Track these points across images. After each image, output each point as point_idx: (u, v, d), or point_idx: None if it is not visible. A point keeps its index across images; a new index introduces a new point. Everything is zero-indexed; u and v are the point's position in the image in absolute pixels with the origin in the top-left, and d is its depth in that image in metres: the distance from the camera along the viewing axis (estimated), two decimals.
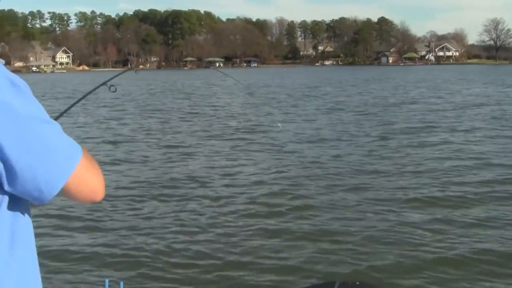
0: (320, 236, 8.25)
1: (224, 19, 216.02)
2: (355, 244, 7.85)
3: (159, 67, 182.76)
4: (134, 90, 49.20)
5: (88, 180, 1.41)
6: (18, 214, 1.39)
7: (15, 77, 1.32)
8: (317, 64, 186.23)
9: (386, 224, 8.73)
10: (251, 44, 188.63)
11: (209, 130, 20.91)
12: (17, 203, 1.38)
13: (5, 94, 1.27)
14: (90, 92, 2.92)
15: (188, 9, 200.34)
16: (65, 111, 2.66)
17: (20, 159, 1.28)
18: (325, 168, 13.10)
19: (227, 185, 11.66)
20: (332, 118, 24.65)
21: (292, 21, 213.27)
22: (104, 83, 2.64)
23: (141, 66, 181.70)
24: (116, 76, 2.54)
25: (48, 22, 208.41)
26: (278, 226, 8.80)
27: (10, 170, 1.29)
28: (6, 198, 1.33)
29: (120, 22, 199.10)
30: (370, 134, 19.18)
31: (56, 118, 2.22)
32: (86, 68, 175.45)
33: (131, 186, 11.69)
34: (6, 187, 1.31)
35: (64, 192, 1.38)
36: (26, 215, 1.44)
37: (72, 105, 2.81)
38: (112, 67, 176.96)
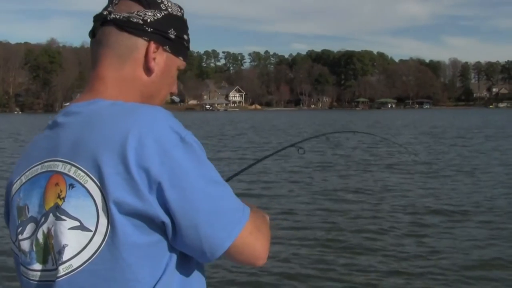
0: None
1: (397, 60, 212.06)
2: None
3: (330, 107, 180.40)
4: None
5: (250, 245, 1.38)
6: (191, 269, 1.41)
7: (188, 134, 1.33)
8: (491, 106, 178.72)
9: None
10: (424, 85, 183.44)
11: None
12: (187, 260, 1.38)
13: (175, 150, 1.28)
14: (275, 153, 2.74)
15: (361, 50, 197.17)
16: (244, 170, 2.50)
17: (185, 217, 1.29)
18: None
19: None
20: None
21: (466, 62, 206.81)
22: (293, 145, 2.57)
23: (312, 106, 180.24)
24: (307, 139, 2.46)
25: (222, 61, 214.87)
26: None
27: (174, 225, 1.30)
28: (174, 256, 1.35)
29: (293, 62, 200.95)
30: None
31: (232, 177, 2.23)
32: (259, 107, 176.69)
33: None
34: (171, 241, 1.33)
35: (223, 254, 1.36)
36: (199, 270, 1.45)
37: (252, 164, 2.64)
38: (284, 107, 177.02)
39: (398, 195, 13.36)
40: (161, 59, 1.49)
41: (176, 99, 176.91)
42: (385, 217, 10.93)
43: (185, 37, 1.55)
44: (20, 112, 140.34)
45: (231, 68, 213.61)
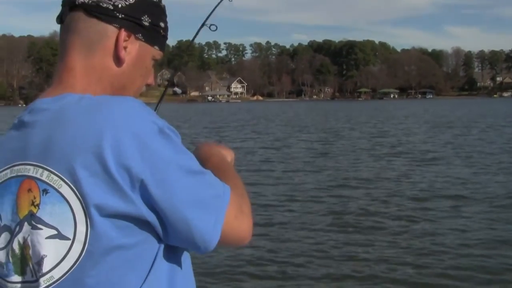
0: None
1: (399, 50, 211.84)
2: None
3: (332, 97, 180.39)
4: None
5: (236, 229, 1.35)
6: (177, 264, 1.36)
7: (165, 124, 1.28)
8: (495, 95, 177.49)
9: None
10: (426, 75, 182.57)
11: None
12: (175, 252, 1.35)
13: (154, 143, 1.24)
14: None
15: (363, 40, 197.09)
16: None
17: (174, 212, 1.25)
18: None
19: None
20: None
21: (469, 51, 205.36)
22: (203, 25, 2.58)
23: (314, 97, 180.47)
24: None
25: (224, 52, 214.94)
26: None
27: (162, 220, 1.26)
28: (162, 247, 1.31)
29: (294, 53, 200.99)
30: None
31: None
32: (260, 98, 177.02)
33: None
34: (162, 237, 1.29)
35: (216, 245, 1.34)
36: (186, 265, 1.41)
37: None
38: (286, 98, 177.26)
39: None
40: (133, 48, 1.41)
41: (178, 90, 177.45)
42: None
43: (162, 24, 1.47)
44: (24, 105, 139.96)
45: (233, 59, 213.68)
